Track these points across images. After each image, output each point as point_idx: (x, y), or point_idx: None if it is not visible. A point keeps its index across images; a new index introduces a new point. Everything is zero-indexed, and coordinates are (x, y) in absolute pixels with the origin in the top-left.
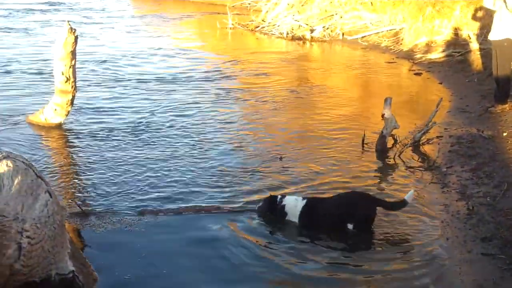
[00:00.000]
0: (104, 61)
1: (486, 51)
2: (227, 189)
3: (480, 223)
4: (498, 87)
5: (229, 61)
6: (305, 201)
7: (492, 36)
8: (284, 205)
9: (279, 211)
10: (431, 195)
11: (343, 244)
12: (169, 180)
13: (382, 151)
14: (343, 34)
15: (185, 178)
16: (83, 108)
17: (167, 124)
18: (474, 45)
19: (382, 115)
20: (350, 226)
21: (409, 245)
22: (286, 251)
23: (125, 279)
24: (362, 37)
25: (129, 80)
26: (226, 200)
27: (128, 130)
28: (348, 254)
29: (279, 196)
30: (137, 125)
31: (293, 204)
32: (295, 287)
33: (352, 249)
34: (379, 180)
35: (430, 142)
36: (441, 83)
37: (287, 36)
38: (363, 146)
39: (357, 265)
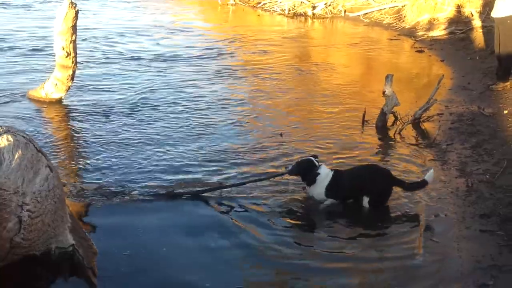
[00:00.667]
0: (104, 38)
1: (489, 29)
2: (229, 166)
3: (479, 200)
4: (499, 65)
5: (230, 39)
6: (332, 172)
7: (494, 13)
8: (318, 173)
9: (312, 177)
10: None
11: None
12: (168, 158)
13: (382, 127)
14: (345, 11)
15: (188, 155)
16: (83, 86)
17: (168, 102)
18: (477, 23)
19: (383, 92)
20: (365, 200)
21: (407, 222)
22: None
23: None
24: (364, 14)
25: (129, 58)
26: (229, 177)
27: (127, 108)
28: (341, 234)
29: (317, 162)
30: (137, 102)
31: (325, 176)
32: (289, 276)
33: (347, 228)
34: (379, 157)
35: (431, 119)
36: (443, 61)
37: (288, 13)
38: (363, 123)
39: (352, 237)
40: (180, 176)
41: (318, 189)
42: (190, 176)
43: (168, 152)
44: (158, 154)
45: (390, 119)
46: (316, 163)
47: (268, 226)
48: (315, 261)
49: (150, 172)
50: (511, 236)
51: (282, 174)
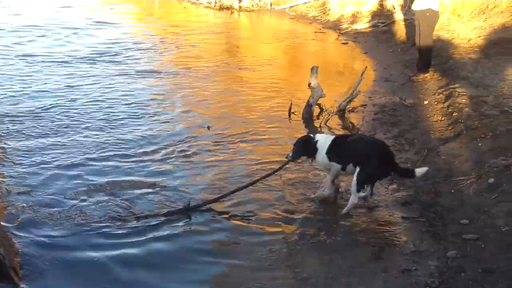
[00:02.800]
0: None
1: (410, 22)
2: (159, 164)
3: (401, 188)
4: (420, 57)
5: (154, 33)
6: (332, 137)
7: (415, 6)
8: (317, 141)
9: (312, 148)
10: None
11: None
12: (89, 162)
13: (308, 119)
14: (271, 4)
15: (115, 153)
16: None
17: (84, 105)
18: (398, 16)
19: (309, 84)
20: (356, 170)
21: (336, 213)
22: None
23: None
24: (290, 7)
25: (38, 59)
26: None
27: (39, 114)
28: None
29: (311, 135)
30: (48, 108)
31: (323, 141)
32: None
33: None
34: None
35: (355, 110)
36: (366, 53)
37: (215, 6)
38: (290, 115)
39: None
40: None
41: (320, 156)
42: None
43: (89, 157)
44: (77, 162)
45: (316, 110)
46: (312, 136)
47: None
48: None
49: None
50: (432, 223)
51: (287, 163)
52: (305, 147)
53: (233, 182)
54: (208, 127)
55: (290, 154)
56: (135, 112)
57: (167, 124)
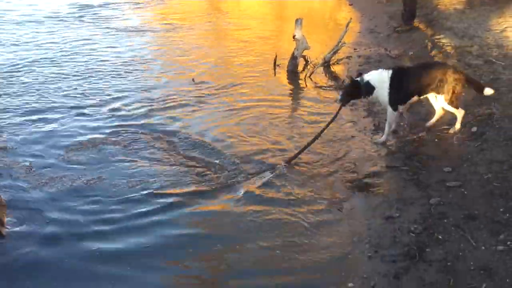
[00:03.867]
0: None
1: None
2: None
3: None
4: (405, 8)
5: None
6: (391, 71)
7: None
8: (368, 81)
9: (365, 89)
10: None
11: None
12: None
13: (293, 72)
14: None
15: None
16: None
17: (71, 61)
18: None
19: (293, 36)
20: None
21: (320, 161)
22: None
23: None
24: None
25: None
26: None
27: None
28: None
29: (358, 78)
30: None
31: (378, 77)
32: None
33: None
34: (290, 99)
35: (340, 62)
36: (351, 5)
37: None
38: (275, 67)
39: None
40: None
41: (380, 91)
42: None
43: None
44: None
45: (301, 63)
46: (359, 78)
47: None
48: None
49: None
50: (415, 171)
51: (339, 110)
52: (353, 92)
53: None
54: (193, 80)
55: (340, 98)
56: (119, 68)
57: (154, 78)
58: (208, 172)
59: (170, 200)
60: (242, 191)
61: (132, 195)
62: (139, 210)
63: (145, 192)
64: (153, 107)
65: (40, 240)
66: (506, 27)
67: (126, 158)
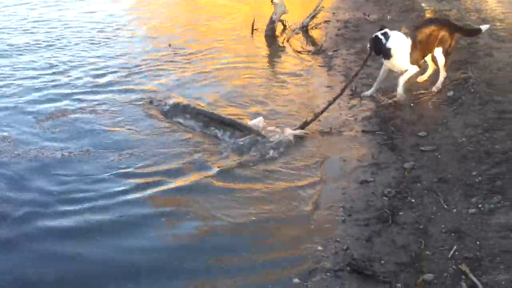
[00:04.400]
0: None
1: None
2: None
3: (361, 102)
4: None
5: None
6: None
7: None
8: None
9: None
10: (317, 78)
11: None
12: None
13: (271, 36)
14: None
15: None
16: None
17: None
18: None
19: (271, 0)
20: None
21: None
22: None
23: None
24: None
25: None
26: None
27: None
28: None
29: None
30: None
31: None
32: None
33: None
34: (268, 64)
35: (318, 26)
36: None
37: None
38: (253, 32)
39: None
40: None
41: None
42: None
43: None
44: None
45: (279, 27)
46: (384, 36)
47: None
48: None
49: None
50: (390, 136)
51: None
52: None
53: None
54: (169, 45)
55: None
56: (94, 36)
57: (130, 45)
58: (187, 142)
59: (143, 178)
60: (216, 169)
61: (104, 173)
62: (110, 190)
63: (119, 169)
64: (129, 73)
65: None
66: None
67: (102, 129)
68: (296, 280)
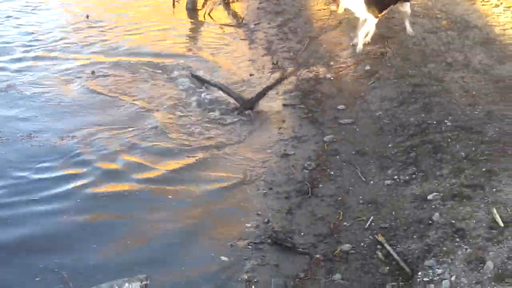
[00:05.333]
0: None
1: None
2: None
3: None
4: None
5: None
6: None
7: None
8: None
9: None
10: (239, 51)
11: None
12: None
13: (192, 9)
14: None
15: None
16: None
17: None
18: None
19: None
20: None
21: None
22: None
23: None
24: None
25: None
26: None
27: None
28: None
29: None
30: None
31: None
32: None
33: None
34: (189, 39)
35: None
36: None
37: None
38: (174, 5)
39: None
40: None
41: None
42: None
43: None
44: None
45: (200, 1)
46: None
47: None
48: None
49: None
50: (311, 109)
51: None
52: None
53: None
54: (87, 16)
55: None
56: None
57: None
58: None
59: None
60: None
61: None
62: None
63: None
64: (40, 50)
65: None
66: None
67: (26, 116)
68: (224, 258)
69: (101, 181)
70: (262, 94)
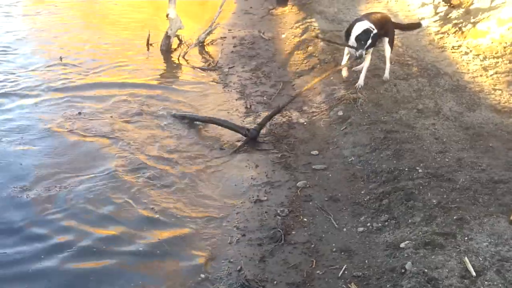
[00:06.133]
0: None
1: None
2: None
3: (256, 120)
4: None
5: None
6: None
7: None
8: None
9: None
10: (213, 95)
11: None
12: None
13: (167, 51)
14: None
15: None
16: None
17: None
18: None
19: (167, 15)
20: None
21: (192, 145)
22: None
23: None
24: None
25: None
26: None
27: None
28: None
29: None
30: None
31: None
32: None
33: None
34: (164, 80)
35: (214, 43)
36: None
37: None
38: (148, 47)
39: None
40: None
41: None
42: None
43: None
44: None
45: (175, 42)
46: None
47: None
48: None
49: None
50: (284, 154)
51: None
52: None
53: None
54: (61, 58)
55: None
56: None
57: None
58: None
59: None
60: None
61: None
62: None
63: None
64: (14, 91)
65: None
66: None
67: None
68: None
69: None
70: (266, 120)
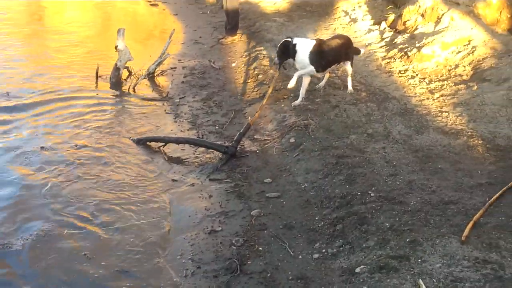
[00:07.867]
0: None
1: None
2: None
3: (208, 151)
4: (228, 19)
5: None
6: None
7: None
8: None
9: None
10: (164, 126)
11: None
12: None
13: (116, 83)
14: None
15: None
16: None
17: None
18: None
19: (116, 47)
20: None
21: (143, 179)
22: None
23: None
24: None
25: None
26: None
27: None
28: None
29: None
30: None
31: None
32: None
33: None
34: (113, 114)
35: (164, 73)
36: (176, 15)
37: None
38: (97, 79)
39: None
40: None
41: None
42: None
43: None
44: None
45: (124, 74)
46: (290, 39)
47: None
48: None
49: None
50: (237, 183)
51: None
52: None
53: None
54: (8, 93)
55: (276, 60)
56: None
57: None
58: None
59: None
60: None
61: None
62: None
63: None
64: None
65: None
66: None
67: None
68: None
69: None
70: (241, 136)
